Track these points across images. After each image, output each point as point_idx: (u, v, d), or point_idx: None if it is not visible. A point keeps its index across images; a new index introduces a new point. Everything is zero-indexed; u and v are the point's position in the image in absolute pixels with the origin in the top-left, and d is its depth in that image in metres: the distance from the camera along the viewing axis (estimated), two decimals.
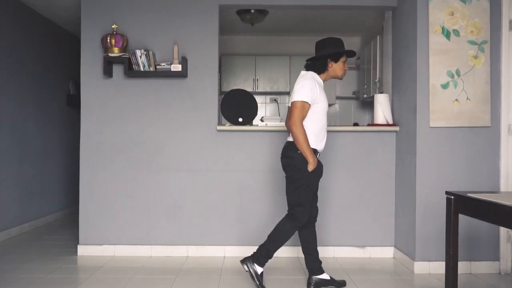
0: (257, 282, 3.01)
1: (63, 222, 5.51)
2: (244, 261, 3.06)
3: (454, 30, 3.48)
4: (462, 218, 3.01)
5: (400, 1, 3.91)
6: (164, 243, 3.96)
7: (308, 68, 3.15)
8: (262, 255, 3.03)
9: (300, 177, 2.96)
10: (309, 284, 3.14)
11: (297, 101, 2.92)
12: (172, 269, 3.55)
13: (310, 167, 2.93)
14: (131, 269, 3.55)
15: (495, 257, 3.54)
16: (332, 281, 3.15)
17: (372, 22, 5.83)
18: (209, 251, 3.96)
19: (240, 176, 3.97)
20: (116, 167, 3.97)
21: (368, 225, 3.97)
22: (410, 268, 3.58)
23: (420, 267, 3.51)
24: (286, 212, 3.09)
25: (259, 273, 3.03)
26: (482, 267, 3.53)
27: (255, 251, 3.08)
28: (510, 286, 3.30)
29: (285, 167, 3.06)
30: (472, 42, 3.47)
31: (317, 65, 3.10)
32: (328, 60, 3.08)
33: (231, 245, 3.97)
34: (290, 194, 3.02)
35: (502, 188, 3.51)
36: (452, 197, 2.47)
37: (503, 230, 3.54)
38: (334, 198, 3.97)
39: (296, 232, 3.13)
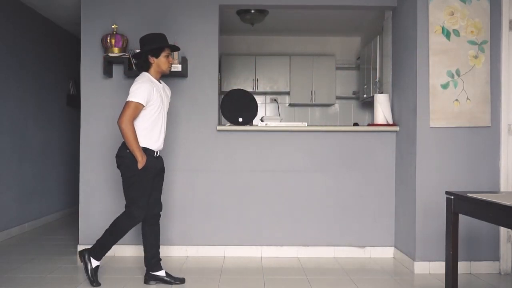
0: (89, 275, 3.07)
1: (63, 222, 5.51)
2: (81, 253, 3.13)
3: (454, 30, 3.48)
4: (462, 218, 3.01)
5: (400, 1, 3.91)
6: (164, 243, 3.95)
7: (136, 67, 3.21)
8: (98, 248, 3.10)
9: (131, 175, 3.03)
10: (145, 279, 3.25)
11: (131, 101, 2.96)
12: (173, 269, 3.55)
13: (139, 165, 3.00)
14: (132, 269, 3.55)
15: (495, 257, 3.54)
16: (168, 276, 3.23)
17: (372, 22, 5.83)
18: (209, 251, 3.96)
19: (240, 176, 3.97)
20: (116, 167, 3.96)
21: (368, 225, 3.97)
22: (410, 268, 3.58)
23: (420, 267, 3.51)
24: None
25: (93, 266, 3.09)
26: (482, 267, 3.53)
27: (93, 244, 3.14)
28: (510, 286, 3.30)
29: (118, 166, 3.13)
30: (472, 42, 3.47)
31: (140, 63, 3.16)
32: (149, 56, 3.11)
33: (231, 245, 3.97)
34: (125, 192, 3.09)
35: (502, 188, 3.51)
36: (452, 197, 2.47)
37: (503, 230, 3.54)
38: (334, 198, 3.97)
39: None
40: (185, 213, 3.97)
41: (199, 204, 3.97)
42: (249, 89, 6.55)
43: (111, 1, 3.99)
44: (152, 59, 3.11)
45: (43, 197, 5.40)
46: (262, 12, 5.22)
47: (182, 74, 3.88)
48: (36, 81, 5.22)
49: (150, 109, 3.04)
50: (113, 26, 3.88)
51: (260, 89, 6.78)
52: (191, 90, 3.98)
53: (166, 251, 3.94)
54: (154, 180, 3.16)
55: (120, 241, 3.91)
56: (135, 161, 3.00)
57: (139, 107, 2.97)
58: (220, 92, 6.28)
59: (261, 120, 4.21)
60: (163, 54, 3.13)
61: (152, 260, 3.23)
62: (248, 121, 3.97)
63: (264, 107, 7.06)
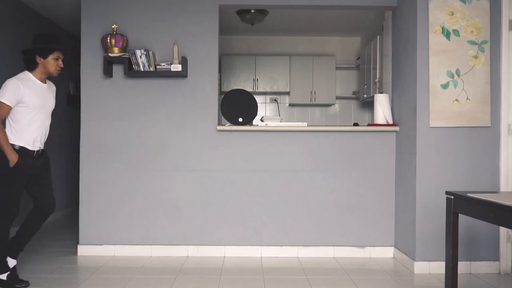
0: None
1: (63, 222, 5.51)
2: None
3: (454, 30, 3.48)
4: (462, 218, 3.02)
5: (400, 1, 3.91)
6: (164, 243, 3.96)
7: (24, 63, 3.18)
8: None
9: (4, 173, 3.02)
10: None
11: None
12: (172, 269, 3.55)
13: (10, 163, 2.99)
14: (131, 269, 3.55)
15: (495, 257, 3.54)
16: (12, 270, 3.13)
17: (372, 22, 5.83)
18: (209, 251, 3.96)
19: (240, 176, 3.97)
20: (116, 167, 3.97)
21: (368, 225, 3.97)
22: (410, 268, 3.58)
23: (420, 267, 3.51)
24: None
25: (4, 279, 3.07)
26: (482, 267, 3.53)
27: None
28: (510, 286, 3.30)
29: None
30: (472, 42, 3.47)
31: (25, 61, 3.14)
32: (36, 56, 3.09)
33: (231, 245, 3.97)
34: None
35: (502, 188, 3.51)
36: (452, 197, 2.47)
37: (503, 230, 3.54)
38: (334, 198, 3.97)
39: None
40: (185, 213, 3.97)
41: (199, 204, 3.97)
42: (249, 89, 6.56)
43: (111, 1, 3.99)
44: (39, 59, 3.09)
45: None
46: (262, 12, 5.22)
47: (182, 74, 3.88)
48: None
49: (24, 109, 3.03)
50: (113, 26, 3.88)
51: (260, 89, 6.78)
52: (191, 90, 3.99)
53: (166, 251, 3.95)
54: (33, 180, 3.15)
55: (120, 241, 3.94)
56: (7, 159, 2.99)
57: (4, 107, 2.96)
58: (220, 92, 6.29)
59: (261, 120, 4.21)
60: (52, 56, 3.11)
61: (15, 246, 3.18)
62: (248, 121, 3.97)
63: (264, 107, 7.06)
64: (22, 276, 3.33)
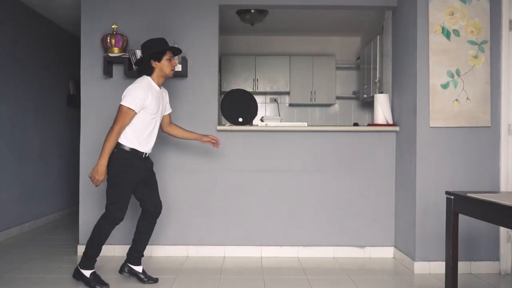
0: (91, 285, 3.06)
1: (63, 222, 5.51)
2: (74, 275, 3.15)
3: (454, 30, 3.48)
4: (462, 218, 3.01)
5: (400, 1, 3.91)
6: (164, 243, 3.96)
7: (140, 73, 3.21)
8: (86, 259, 3.11)
9: (113, 175, 3.04)
10: (121, 269, 3.31)
11: None
12: (172, 269, 3.55)
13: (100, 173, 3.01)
14: None
15: (495, 257, 3.54)
16: (143, 273, 3.26)
17: (372, 22, 5.83)
18: (209, 251, 3.96)
19: (240, 176, 3.97)
20: None
21: (368, 225, 3.97)
22: (410, 268, 3.58)
23: (420, 267, 3.51)
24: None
25: (88, 276, 3.09)
26: (482, 267, 3.53)
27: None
28: (510, 286, 3.30)
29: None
30: (472, 42, 3.47)
31: (142, 70, 3.17)
32: (151, 61, 3.13)
33: (231, 245, 3.97)
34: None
35: (502, 188, 3.51)
36: (452, 197, 2.47)
37: (503, 230, 3.54)
38: (334, 198, 3.97)
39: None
40: (185, 213, 3.97)
41: (199, 204, 3.97)
42: (249, 89, 6.55)
43: (111, 1, 3.99)
44: (154, 63, 3.10)
45: (43, 197, 5.40)
46: (262, 12, 5.22)
47: (182, 74, 3.88)
48: (36, 81, 5.22)
49: (145, 115, 3.07)
50: (113, 26, 3.88)
51: (260, 89, 6.78)
52: (191, 90, 3.98)
53: (166, 251, 3.95)
54: (141, 183, 3.18)
55: (120, 241, 3.94)
56: (119, 162, 3.03)
57: (130, 113, 3.00)
58: (220, 92, 6.29)
59: (261, 120, 4.22)
60: (165, 57, 3.13)
61: (136, 254, 3.26)
62: (248, 121, 3.97)
63: (264, 107, 7.06)
64: (21, 275, 3.34)
